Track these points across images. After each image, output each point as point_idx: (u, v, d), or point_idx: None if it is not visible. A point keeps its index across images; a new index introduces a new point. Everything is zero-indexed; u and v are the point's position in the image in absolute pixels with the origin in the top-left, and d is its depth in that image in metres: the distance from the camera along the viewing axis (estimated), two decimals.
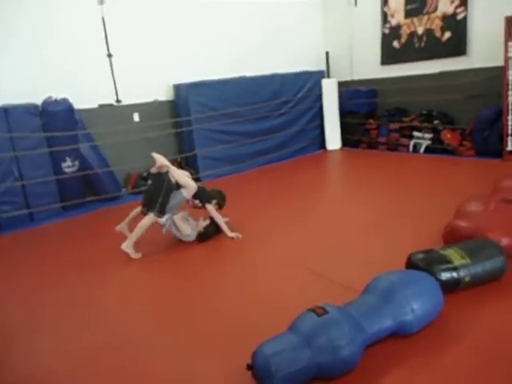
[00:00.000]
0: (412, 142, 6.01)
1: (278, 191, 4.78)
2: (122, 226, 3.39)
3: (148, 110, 5.55)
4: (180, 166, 5.46)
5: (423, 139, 5.91)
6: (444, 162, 5.22)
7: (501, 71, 4.78)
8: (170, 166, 3.28)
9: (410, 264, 2.29)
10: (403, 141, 6.12)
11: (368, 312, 1.86)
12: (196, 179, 4.25)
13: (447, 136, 5.55)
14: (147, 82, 5.48)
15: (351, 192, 4.61)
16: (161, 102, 5.68)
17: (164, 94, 5.73)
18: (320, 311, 1.78)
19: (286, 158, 6.46)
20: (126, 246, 3.19)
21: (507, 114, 4.75)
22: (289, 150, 6.52)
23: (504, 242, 2.40)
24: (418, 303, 1.88)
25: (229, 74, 5.94)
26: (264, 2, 6.41)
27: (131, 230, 3.27)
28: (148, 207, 3.21)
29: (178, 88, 5.63)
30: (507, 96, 4.72)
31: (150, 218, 3.18)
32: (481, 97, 5.29)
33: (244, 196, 4.63)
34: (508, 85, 4.69)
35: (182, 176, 3.31)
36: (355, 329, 1.74)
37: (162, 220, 3.23)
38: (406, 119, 6.16)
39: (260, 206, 4.25)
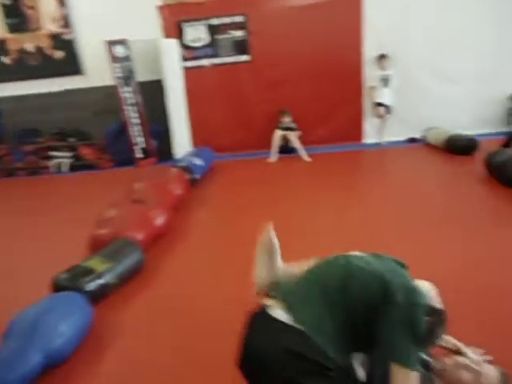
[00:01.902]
0: (53, 163, 5.78)
1: None
2: None
3: None
4: None
5: (64, 158, 5.81)
6: (88, 177, 5.35)
7: (116, 89, 5.34)
8: None
9: (57, 287, 2.19)
10: (43, 163, 5.78)
11: (10, 360, 1.62)
12: None
13: (85, 152, 5.71)
14: None
15: None
16: None
17: None
18: None
19: None
20: None
21: (129, 127, 5.41)
22: None
23: (139, 237, 2.72)
24: (65, 325, 1.82)
25: None
26: None
27: None
28: None
29: None
30: (124, 111, 5.36)
31: None
32: (107, 112, 5.73)
33: None
34: (124, 101, 5.33)
35: None
36: None
37: None
38: (41, 140, 5.84)
39: None
